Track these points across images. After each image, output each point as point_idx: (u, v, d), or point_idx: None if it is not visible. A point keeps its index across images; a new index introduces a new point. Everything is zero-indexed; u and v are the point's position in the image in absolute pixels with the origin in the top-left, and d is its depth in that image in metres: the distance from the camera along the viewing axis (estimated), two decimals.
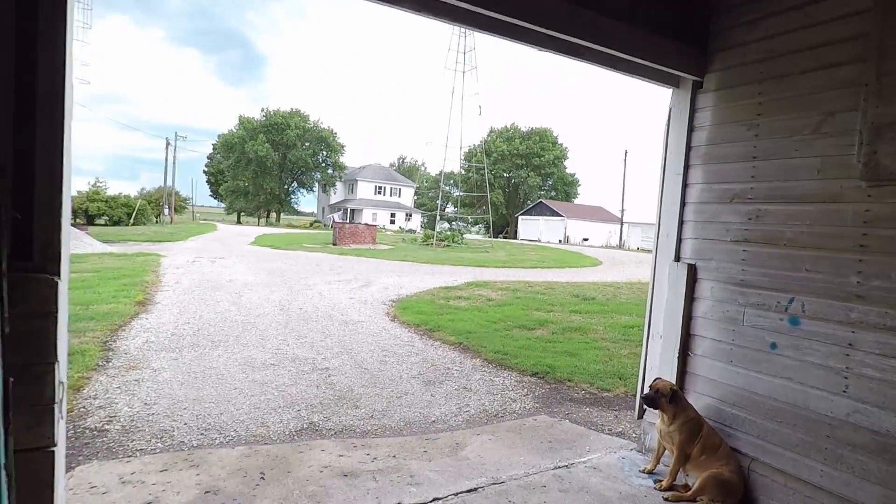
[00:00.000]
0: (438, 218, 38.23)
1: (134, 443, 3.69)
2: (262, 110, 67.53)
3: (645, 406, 3.45)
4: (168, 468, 3.27)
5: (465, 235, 43.62)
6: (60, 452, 1.75)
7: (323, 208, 75.27)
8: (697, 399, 3.50)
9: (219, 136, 68.70)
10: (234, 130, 66.43)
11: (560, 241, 58.04)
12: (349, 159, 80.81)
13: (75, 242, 17.62)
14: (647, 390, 3.39)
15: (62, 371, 1.73)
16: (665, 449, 3.37)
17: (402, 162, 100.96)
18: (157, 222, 46.50)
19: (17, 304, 1.56)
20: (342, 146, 69.90)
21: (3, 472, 1.44)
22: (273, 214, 72.19)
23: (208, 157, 75.67)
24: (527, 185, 73.63)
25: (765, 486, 3.06)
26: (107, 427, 3.93)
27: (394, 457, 3.59)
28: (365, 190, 69.85)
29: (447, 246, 32.71)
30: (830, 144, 2.98)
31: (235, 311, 8.72)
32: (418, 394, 5.15)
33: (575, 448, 3.93)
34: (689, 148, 3.79)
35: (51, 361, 1.66)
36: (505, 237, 64.36)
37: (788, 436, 3.00)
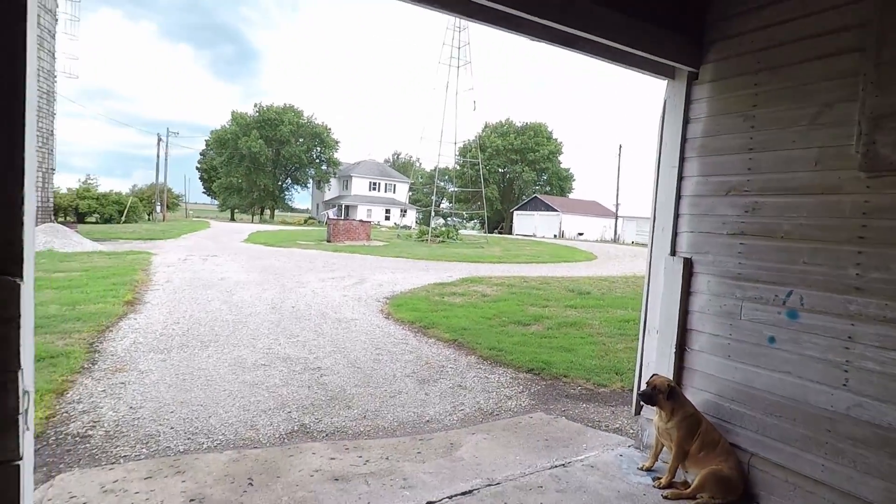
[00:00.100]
0: (433, 214, 38.04)
1: (118, 449, 3.59)
2: (256, 106, 67.04)
3: (642, 403, 3.38)
4: (153, 475, 3.17)
5: (460, 231, 43.56)
6: (27, 466, 1.66)
7: (317, 205, 74.96)
8: (695, 395, 3.44)
9: (211, 132, 68.22)
10: (227, 126, 65.90)
11: (555, 235, 58.09)
12: (344, 155, 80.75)
13: (63, 241, 17.41)
14: (643, 387, 3.32)
15: (27, 379, 1.63)
16: (663, 446, 3.31)
17: (397, 158, 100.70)
18: (149, 220, 46.11)
19: None
20: (336, 142, 69.63)
21: None
22: (267, 211, 71.78)
23: (201, 154, 75.17)
24: (521, 180, 73.58)
25: (765, 481, 3.01)
26: (90, 433, 3.82)
27: (387, 459, 3.51)
28: (359, 186, 69.60)
29: (442, 242, 32.61)
30: (828, 135, 2.92)
31: (226, 310, 8.60)
32: (412, 393, 5.07)
33: (572, 446, 3.86)
34: (684, 140, 3.72)
35: (13, 370, 1.56)
36: (500, 232, 64.31)
37: (788, 431, 2.94)
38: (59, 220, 27.77)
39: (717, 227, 3.45)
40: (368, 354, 6.37)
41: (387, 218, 66.87)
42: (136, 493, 2.93)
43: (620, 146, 55.83)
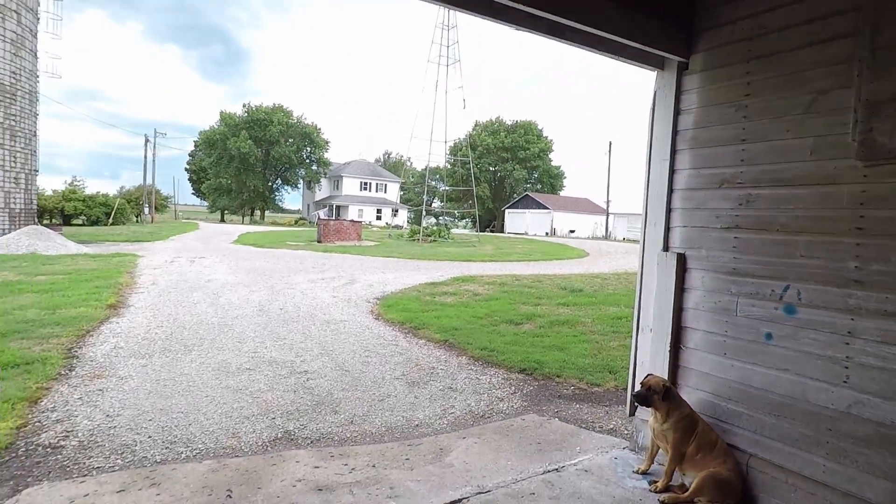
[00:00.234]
0: (424, 213, 37.86)
1: (91, 460, 3.42)
2: (244, 106, 66.39)
3: (637, 404, 3.27)
4: (126, 488, 3.01)
5: (451, 230, 43.38)
6: None
7: (308, 205, 74.44)
8: (691, 394, 3.34)
9: (200, 132, 67.49)
10: (216, 127, 65.21)
11: (547, 233, 58.13)
12: (334, 155, 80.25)
13: (46, 243, 17.07)
14: (638, 387, 3.21)
15: None
16: (659, 448, 3.20)
17: (388, 157, 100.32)
18: (137, 222, 45.54)
19: None
20: (327, 142, 69.13)
21: None
22: (257, 212, 71.18)
23: (190, 155, 74.38)
24: (513, 179, 73.56)
25: (765, 483, 2.91)
26: (63, 443, 3.65)
27: (373, 466, 3.37)
28: (350, 186, 69.19)
29: (434, 241, 32.45)
30: (823, 123, 2.82)
31: (212, 313, 8.41)
32: (401, 396, 4.94)
33: (565, 449, 3.74)
34: (675, 132, 3.62)
35: None
36: (492, 231, 64.28)
37: (788, 430, 2.85)
38: (45, 222, 27.28)
39: (711, 220, 3.35)
40: (357, 357, 6.22)
41: (378, 218, 66.55)
42: None
43: (610, 143, 56.09)
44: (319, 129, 68.41)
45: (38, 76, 22.69)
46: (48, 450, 3.55)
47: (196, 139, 69.39)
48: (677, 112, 3.61)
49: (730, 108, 3.27)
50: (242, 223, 59.71)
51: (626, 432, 4.12)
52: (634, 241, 39.84)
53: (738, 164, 3.20)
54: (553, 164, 78.07)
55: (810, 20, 2.89)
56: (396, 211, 68.25)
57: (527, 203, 66.00)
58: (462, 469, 3.35)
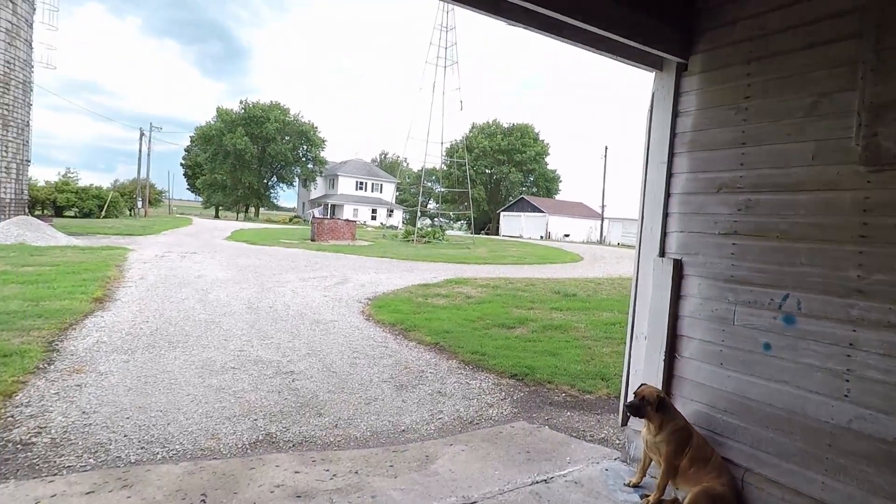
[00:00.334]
0: (420, 214, 37.66)
1: (62, 458, 3.28)
2: (241, 103, 66.07)
3: (629, 414, 3.17)
4: (96, 489, 2.88)
5: (446, 231, 43.28)
6: None
7: (303, 203, 74.14)
8: (685, 405, 3.24)
9: (196, 128, 67.10)
10: (213, 123, 64.86)
11: (541, 237, 58.11)
12: (330, 154, 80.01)
13: (36, 234, 16.84)
14: (631, 397, 3.11)
15: None
16: (651, 460, 3.10)
17: (384, 157, 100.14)
18: (130, 215, 45.15)
19: None
20: (323, 140, 68.92)
21: None
22: (252, 209, 70.78)
23: (186, 150, 73.84)
24: (508, 181, 73.57)
25: (760, 499, 2.81)
26: (34, 440, 3.51)
27: (356, 473, 3.25)
28: (346, 185, 68.95)
29: (428, 242, 32.33)
30: (826, 127, 2.74)
31: (200, 309, 8.25)
32: (388, 399, 4.81)
33: (554, 459, 3.63)
34: (673, 135, 3.52)
35: None
36: (487, 233, 64.18)
37: (785, 445, 2.75)
38: (36, 213, 26.97)
39: (709, 226, 3.25)
40: (345, 358, 6.09)
41: (373, 218, 66.34)
42: None
43: (606, 147, 56.13)
44: (316, 127, 68.25)
45: (32, 66, 22.44)
46: (18, 447, 3.41)
47: (192, 134, 69.05)
48: (676, 114, 3.52)
49: (729, 110, 3.19)
50: (237, 220, 59.28)
51: (617, 442, 4.02)
52: (629, 247, 39.86)
53: (738, 168, 3.11)
54: (549, 167, 78.18)
55: (813, 21, 2.81)
56: (392, 211, 68.06)
57: (522, 206, 66.00)
58: (448, 478, 3.24)
